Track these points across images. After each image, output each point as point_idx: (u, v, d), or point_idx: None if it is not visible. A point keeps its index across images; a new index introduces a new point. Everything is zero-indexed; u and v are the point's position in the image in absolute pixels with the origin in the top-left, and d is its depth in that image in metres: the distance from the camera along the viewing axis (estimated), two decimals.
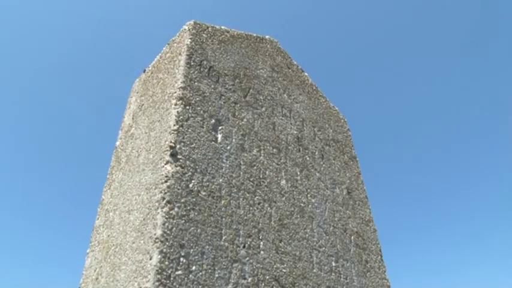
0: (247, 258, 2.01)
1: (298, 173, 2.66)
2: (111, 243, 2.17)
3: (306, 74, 3.54)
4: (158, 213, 1.85)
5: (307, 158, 2.83)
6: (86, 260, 2.38)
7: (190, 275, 1.76)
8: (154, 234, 1.78)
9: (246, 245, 2.05)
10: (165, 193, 1.90)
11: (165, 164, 2.02)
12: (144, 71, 3.12)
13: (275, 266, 2.11)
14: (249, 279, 1.96)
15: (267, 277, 2.04)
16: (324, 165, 2.94)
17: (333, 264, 2.44)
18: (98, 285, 2.09)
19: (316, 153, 2.96)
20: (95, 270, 2.21)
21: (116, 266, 1.99)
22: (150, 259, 1.72)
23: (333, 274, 2.39)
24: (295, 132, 2.90)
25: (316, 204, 2.61)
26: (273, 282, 2.05)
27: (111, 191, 2.51)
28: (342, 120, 3.57)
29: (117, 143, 2.82)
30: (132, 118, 2.79)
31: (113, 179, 2.58)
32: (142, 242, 1.85)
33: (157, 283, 1.64)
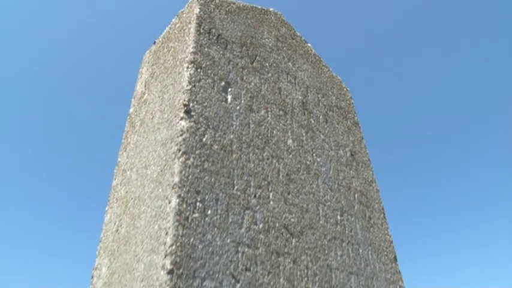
0: (258, 207, 2.16)
1: (304, 134, 2.80)
2: (129, 198, 2.31)
3: (309, 45, 3.67)
4: (175, 162, 1.99)
5: (312, 121, 2.97)
6: (105, 216, 2.52)
7: (206, 218, 1.90)
8: (172, 181, 1.92)
9: (257, 195, 2.20)
10: (181, 145, 2.04)
11: (180, 120, 2.16)
12: (154, 42, 3.25)
13: (284, 216, 2.25)
14: (260, 226, 2.10)
15: (277, 224, 2.18)
16: (327, 128, 3.08)
17: (338, 217, 2.58)
18: (119, 235, 2.24)
19: (321, 117, 3.10)
20: (114, 224, 2.35)
21: (136, 216, 2.13)
22: (169, 203, 1.86)
23: (338, 226, 2.53)
24: (300, 97, 3.04)
25: (321, 163, 2.75)
26: (283, 230, 2.19)
27: (126, 153, 2.65)
28: (345, 89, 3.71)
29: (131, 110, 2.95)
30: (145, 86, 2.92)
31: (128, 142, 2.72)
32: (160, 190, 1.99)
33: (176, 223, 1.78)
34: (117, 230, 2.28)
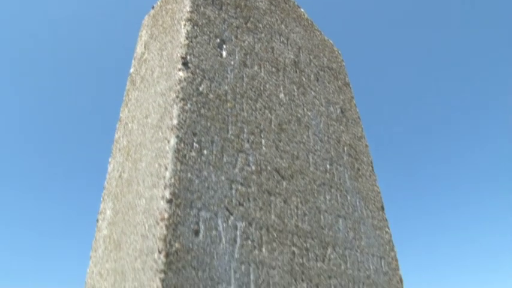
0: (251, 151, 2.32)
1: (295, 90, 2.96)
2: (131, 146, 2.48)
3: (302, 10, 3.81)
4: (174, 108, 2.15)
5: (303, 79, 3.13)
6: (109, 166, 2.69)
7: (203, 157, 2.07)
8: (171, 124, 2.08)
9: (250, 141, 2.36)
10: (179, 93, 2.21)
11: (178, 71, 2.32)
12: (153, 7, 3.40)
13: (275, 160, 2.42)
14: (253, 167, 2.27)
15: (269, 167, 2.35)
16: (319, 86, 3.24)
17: (327, 166, 2.75)
18: (122, 180, 2.41)
19: (312, 76, 3.26)
20: (117, 171, 2.52)
21: (137, 160, 2.30)
22: (168, 143, 2.03)
23: (327, 174, 2.70)
24: (292, 57, 3.20)
25: (312, 117, 2.92)
26: (274, 173, 2.36)
27: (128, 108, 2.81)
28: (336, 52, 3.86)
29: (131, 70, 3.11)
30: (144, 47, 3.07)
31: (129, 98, 2.88)
32: (160, 133, 2.16)
33: (175, 159, 1.95)
34: (120, 176, 2.45)
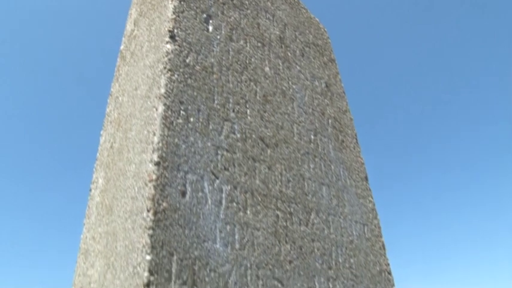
0: (236, 120, 2.42)
1: (281, 64, 3.06)
2: (121, 117, 2.58)
3: None
4: (161, 78, 2.24)
5: (289, 54, 3.22)
6: (101, 139, 2.79)
7: (189, 124, 2.17)
8: (159, 93, 2.18)
9: (235, 110, 2.46)
10: (166, 64, 2.30)
11: (166, 44, 2.41)
12: None
13: (260, 129, 2.52)
14: (238, 135, 2.37)
15: (253, 136, 2.45)
16: (304, 61, 3.33)
17: (312, 137, 2.85)
18: (113, 150, 2.51)
19: (297, 51, 3.35)
20: (109, 142, 2.62)
21: (128, 129, 2.40)
22: (156, 110, 2.12)
23: (311, 144, 2.80)
24: (277, 33, 3.29)
25: (296, 90, 3.02)
26: (259, 141, 2.46)
27: (118, 83, 2.91)
28: (322, 29, 3.95)
29: (121, 47, 3.20)
30: (134, 24, 3.15)
31: (120, 73, 2.96)
32: (149, 102, 2.25)
33: (162, 125, 2.05)
34: (111, 146, 2.55)
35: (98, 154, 2.71)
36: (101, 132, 2.82)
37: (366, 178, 3.11)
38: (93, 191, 2.57)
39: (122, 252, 1.91)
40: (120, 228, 2.02)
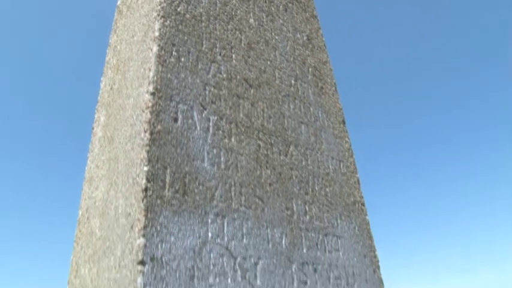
0: (223, 62, 2.72)
1: (265, 17, 3.34)
2: (120, 62, 2.87)
3: None
4: (155, 24, 2.54)
5: (272, 8, 3.51)
6: (101, 84, 3.08)
7: (180, 63, 2.47)
8: (154, 36, 2.47)
9: (222, 54, 2.76)
10: (160, 12, 2.59)
11: None
12: None
13: (244, 72, 2.82)
14: (224, 75, 2.67)
15: (238, 77, 2.75)
16: (287, 16, 3.62)
17: (292, 81, 3.15)
18: (113, 91, 2.81)
19: (281, 7, 3.63)
20: (109, 85, 2.91)
21: (126, 71, 2.69)
22: (151, 50, 2.42)
23: (292, 88, 3.11)
24: None
25: (279, 40, 3.31)
26: (243, 81, 2.76)
27: (116, 34, 3.19)
28: None
29: (118, 3, 3.48)
30: None
31: (117, 26, 3.25)
32: (145, 45, 2.55)
33: (157, 63, 2.35)
34: (111, 88, 2.85)
35: (98, 97, 3.01)
36: (101, 79, 3.12)
37: (344, 122, 3.42)
38: (95, 128, 2.87)
39: (123, 170, 2.23)
40: (121, 151, 2.33)
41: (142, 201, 1.94)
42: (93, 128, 2.91)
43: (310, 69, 3.42)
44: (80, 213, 2.63)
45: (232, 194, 2.29)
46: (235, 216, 2.24)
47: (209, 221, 2.12)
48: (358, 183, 3.21)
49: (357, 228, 2.96)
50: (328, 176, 2.95)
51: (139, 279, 1.78)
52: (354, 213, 2.99)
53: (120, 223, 2.06)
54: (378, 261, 3.00)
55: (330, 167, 3.02)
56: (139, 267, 1.80)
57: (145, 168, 2.02)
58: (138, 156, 2.10)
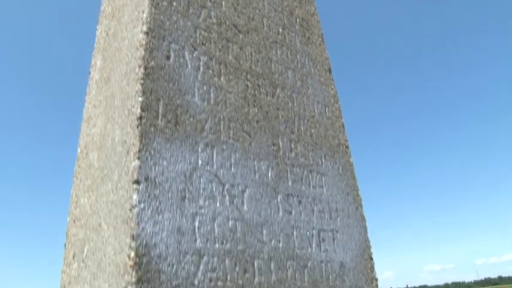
0: (213, 8, 2.86)
1: None
2: (115, 10, 3.00)
3: None
4: None
5: None
6: (97, 32, 3.22)
7: (172, 7, 2.62)
8: None
9: (212, 0, 2.89)
10: None
11: None
12: None
13: (233, 18, 2.96)
14: (214, 20, 2.81)
15: (228, 22, 2.89)
16: None
17: (280, 30, 3.30)
18: (108, 36, 2.94)
19: None
20: (104, 31, 3.05)
21: (121, 17, 2.83)
22: (143, 13, 2.54)
23: (279, 35, 3.26)
24: None
25: None
26: (232, 26, 2.91)
27: (106, 13, 3.31)
28: None
29: None
30: None
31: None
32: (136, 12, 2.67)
33: (150, 5, 2.49)
34: (106, 34, 2.99)
35: (95, 44, 3.15)
36: (97, 27, 3.25)
37: (330, 70, 3.57)
38: (92, 72, 3.02)
39: (119, 104, 2.39)
40: (117, 88, 2.49)
41: (137, 128, 2.10)
42: (90, 73, 3.06)
43: (297, 19, 3.56)
44: (79, 150, 2.79)
45: (221, 127, 2.46)
46: (224, 147, 2.41)
47: (199, 149, 2.29)
48: (343, 128, 3.38)
49: (340, 168, 3.14)
50: (313, 119, 3.11)
51: (135, 196, 1.95)
52: (338, 155, 3.17)
53: (117, 151, 2.23)
54: (360, 199, 3.19)
55: (316, 110, 3.19)
56: (135, 186, 1.97)
57: (140, 99, 2.18)
58: (133, 90, 2.26)
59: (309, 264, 2.55)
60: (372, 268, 3.00)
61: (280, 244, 2.44)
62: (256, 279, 2.25)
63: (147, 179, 2.01)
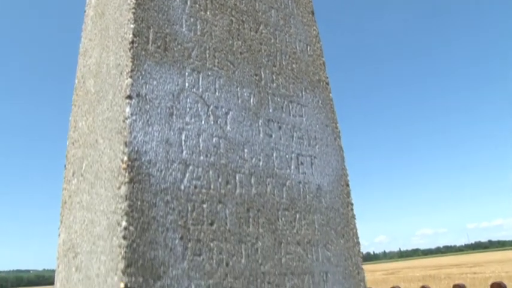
0: None
1: None
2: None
3: None
4: None
5: None
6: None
7: None
8: None
9: None
10: None
11: None
12: None
13: None
14: None
15: None
16: None
17: None
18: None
19: None
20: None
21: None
22: None
23: None
24: None
25: None
26: None
27: None
28: None
29: None
30: None
31: None
32: None
33: None
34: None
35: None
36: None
37: (313, 12, 3.78)
38: (87, 10, 3.23)
39: (113, 33, 2.61)
40: (111, 20, 2.71)
41: (130, 51, 2.33)
42: (85, 11, 3.27)
43: None
44: (76, 81, 3.03)
45: (207, 55, 2.69)
46: (209, 73, 2.65)
47: (186, 74, 2.53)
48: (324, 66, 3.61)
49: (320, 101, 3.38)
50: (295, 55, 3.34)
51: (127, 109, 2.20)
52: (318, 89, 3.41)
53: (112, 74, 2.47)
54: (339, 131, 3.44)
55: (298, 48, 3.41)
56: (127, 101, 2.22)
57: (132, 26, 2.40)
58: (125, 18, 2.48)
59: (287, 183, 2.81)
60: (348, 194, 3.27)
61: (261, 162, 2.70)
62: (238, 190, 2.51)
63: (138, 95, 2.25)
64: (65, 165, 2.86)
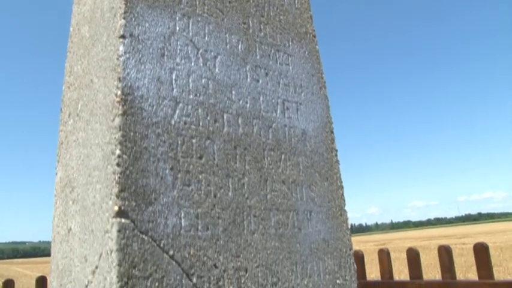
0: None
1: None
2: None
3: None
4: None
5: None
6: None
7: None
8: None
9: None
10: None
11: None
12: None
13: None
14: None
15: None
16: None
17: None
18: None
19: None
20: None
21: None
22: None
23: None
24: None
25: None
26: None
27: None
28: None
29: None
30: None
31: None
32: None
33: None
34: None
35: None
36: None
37: None
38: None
39: None
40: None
41: None
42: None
43: None
44: (71, 29, 3.14)
45: (197, 2, 2.81)
46: (199, 19, 2.77)
47: (177, 18, 2.65)
48: (311, 19, 3.72)
49: (307, 52, 3.51)
50: (282, 7, 3.46)
51: (121, 48, 2.33)
52: (305, 41, 3.53)
53: (105, 17, 2.59)
54: (324, 82, 3.58)
55: (285, 0, 3.52)
56: (121, 40, 2.35)
57: None
58: None
59: (273, 126, 2.96)
60: (333, 140, 3.43)
61: (248, 105, 2.85)
62: (225, 129, 2.66)
63: (131, 35, 2.38)
64: (61, 109, 2.99)
